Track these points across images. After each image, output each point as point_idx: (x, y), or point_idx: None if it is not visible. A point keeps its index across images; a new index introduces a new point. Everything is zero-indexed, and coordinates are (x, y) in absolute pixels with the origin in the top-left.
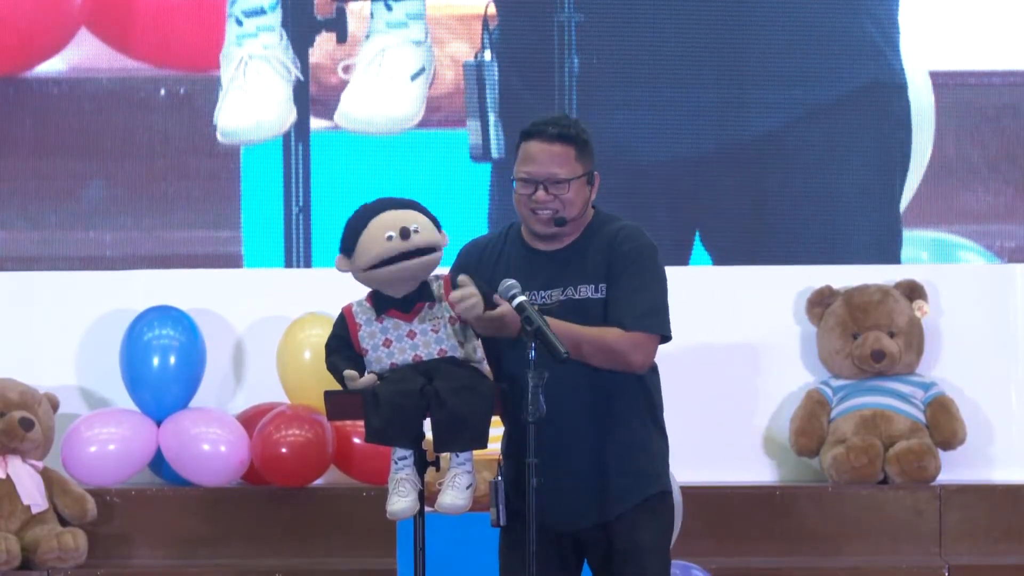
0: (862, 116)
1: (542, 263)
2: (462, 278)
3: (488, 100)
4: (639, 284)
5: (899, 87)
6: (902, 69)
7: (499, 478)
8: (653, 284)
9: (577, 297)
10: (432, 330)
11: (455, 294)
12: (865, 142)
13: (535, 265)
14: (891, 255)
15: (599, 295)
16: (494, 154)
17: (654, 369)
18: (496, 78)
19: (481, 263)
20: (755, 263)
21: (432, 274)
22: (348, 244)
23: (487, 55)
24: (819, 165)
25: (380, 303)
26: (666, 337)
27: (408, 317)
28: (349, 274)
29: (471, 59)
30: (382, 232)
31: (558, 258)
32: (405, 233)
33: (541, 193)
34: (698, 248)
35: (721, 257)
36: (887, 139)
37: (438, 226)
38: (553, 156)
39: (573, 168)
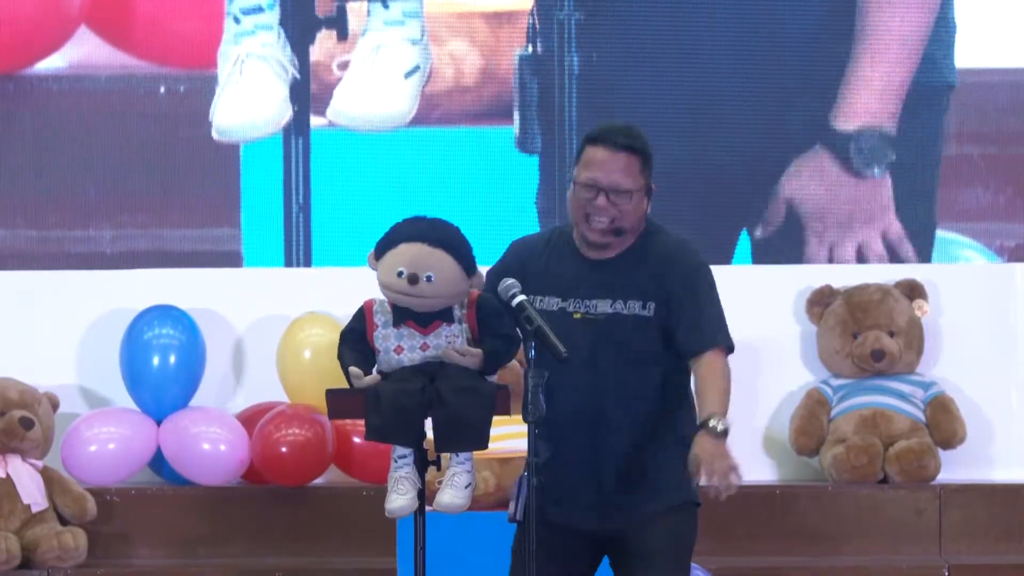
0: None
1: (590, 272)
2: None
3: (534, 92)
4: (701, 303)
5: (946, 87)
6: (952, 69)
7: (525, 473)
8: (712, 299)
9: (626, 312)
10: (448, 345)
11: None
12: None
13: (583, 272)
14: (923, 254)
15: (647, 312)
16: (534, 147)
17: (684, 381)
18: (541, 71)
19: (526, 269)
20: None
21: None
22: (380, 250)
23: (530, 49)
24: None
25: (399, 312)
26: (730, 348)
27: (425, 331)
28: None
29: (523, 51)
30: (396, 264)
31: (608, 268)
32: (414, 279)
33: (602, 200)
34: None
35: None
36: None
37: (469, 267)
38: (619, 165)
39: (637, 180)
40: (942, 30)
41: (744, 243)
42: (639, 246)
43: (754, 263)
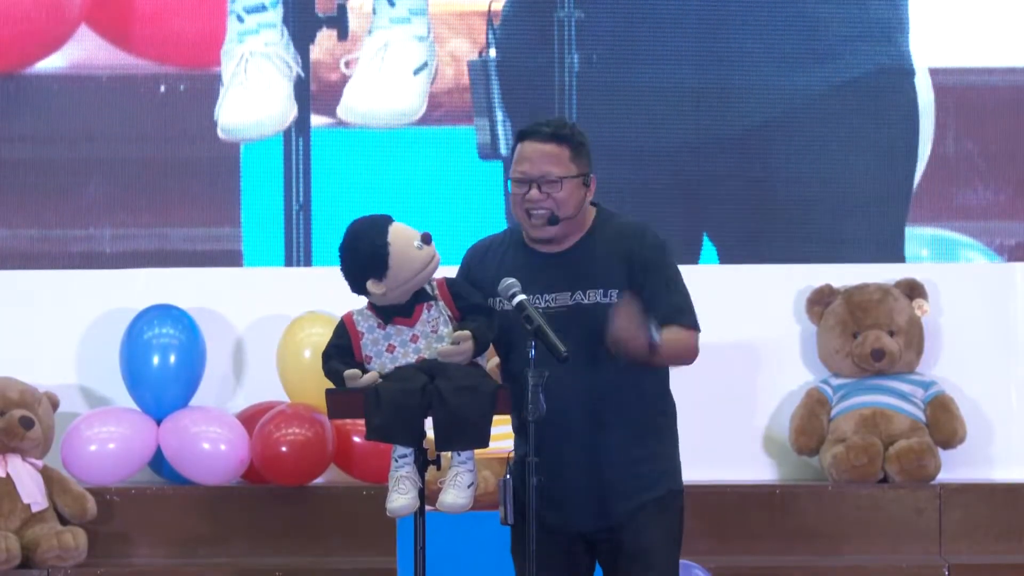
0: (866, 105)
1: (545, 266)
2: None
3: (495, 98)
4: (672, 282)
5: (905, 73)
6: (908, 56)
7: (508, 476)
8: (681, 281)
9: (587, 303)
10: (432, 331)
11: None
12: (870, 134)
13: (538, 268)
14: (894, 253)
15: (608, 300)
16: (503, 151)
17: (664, 370)
18: (501, 76)
19: (484, 265)
20: (758, 261)
21: None
22: (378, 267)
23: (492, 52)
24: (819, 161)
25: (386, 312)
26: (696, 329)
27: (411, 322)
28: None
29: (475, 57)
30: (409, 243)
31: (563, 261)
32: (427, 239)
33: (535, 192)
34: (706, 245)
35: (725, 255)
36: (892, 131)
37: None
38: (546, 155)
39: (567, 168)
40: (894, 20)
41: (742, 241)
42: (592, 235)
43: (751, 263)
